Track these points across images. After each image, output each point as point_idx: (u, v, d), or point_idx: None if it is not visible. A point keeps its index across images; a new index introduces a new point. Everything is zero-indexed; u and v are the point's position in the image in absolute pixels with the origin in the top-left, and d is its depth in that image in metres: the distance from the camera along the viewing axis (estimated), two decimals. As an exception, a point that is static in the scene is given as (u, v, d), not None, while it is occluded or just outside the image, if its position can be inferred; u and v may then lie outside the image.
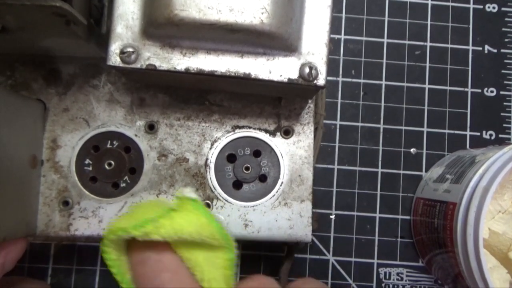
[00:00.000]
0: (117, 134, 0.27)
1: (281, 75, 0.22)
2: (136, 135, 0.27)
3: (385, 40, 0.35)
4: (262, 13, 0.20)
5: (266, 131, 0.27)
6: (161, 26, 0.20)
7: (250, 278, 0.19)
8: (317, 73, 0.22)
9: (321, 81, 0.22)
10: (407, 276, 0.33)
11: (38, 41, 0.23)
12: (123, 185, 0.26)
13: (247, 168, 0.26)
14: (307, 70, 0.22)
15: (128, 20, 0.22)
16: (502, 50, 0.35)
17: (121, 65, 0.21)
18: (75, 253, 0.32)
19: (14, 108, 0.23)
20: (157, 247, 0.18)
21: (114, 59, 0.21)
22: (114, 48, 0.21)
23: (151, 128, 0.27)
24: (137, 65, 0.21)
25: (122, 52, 0.21)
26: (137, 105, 0.27)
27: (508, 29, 0.35)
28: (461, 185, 0.27)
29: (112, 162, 0.26)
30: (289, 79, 0.22)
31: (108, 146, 0.26)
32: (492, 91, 0.35)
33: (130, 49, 0.21)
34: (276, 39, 0.21)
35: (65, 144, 0.26)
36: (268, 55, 0.22)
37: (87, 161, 0.26)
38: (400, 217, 0.34)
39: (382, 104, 0.34)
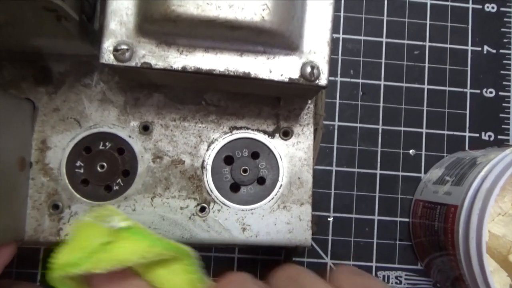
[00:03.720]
0: (110, 135, 0.26)
1: (281, 75, 0.21)
2: (129, 136, 0.26)
3: (384, 40, 0.34)
4: (263, 10, 0.19)
5: (265, 132, 0.26)
6: (157, 23, 0.20)
7: (223, 278, 0.19)
8: (319, 72, 0.21)
9: (323, 81, 0.21)
10: (405, 279, 0.33)
11: (28, 37, 0.22)
12: (116, 188, 0.25)
13: (245, 171, 0.26)
14: (308, 69, 0.21)
15: (122, 16, 0.21)
16: (501, 51, 0.35)
17: (115, 63, 0.20)
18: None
19: (2, 107, 0.22)
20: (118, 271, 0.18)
21: (107, 57, 0.21)
22: (107, 45, 0.21)
23: (145, 129, 0.26)
24: (132, 63, 0.21)
25: (115, 50, 0.20)
26: (131, 105, 0.26)
27: (507, 30, 0.35)
28: (462, 187, 0.27)
29: (105, 164, 0.25)
30: (290, 78, 0.21)
31: (101, 147, 0.26)
32: (491, 92, 0.34)
33: (124, 47, 0.20)
34: (277, 37, 0.20)
35: (55, 145, 0.25)
36: (269, 54, 0.21)
37: (79, 163, 0.25)
38: (399, 219, 0.33)
39: (381, 104, 0.34)
